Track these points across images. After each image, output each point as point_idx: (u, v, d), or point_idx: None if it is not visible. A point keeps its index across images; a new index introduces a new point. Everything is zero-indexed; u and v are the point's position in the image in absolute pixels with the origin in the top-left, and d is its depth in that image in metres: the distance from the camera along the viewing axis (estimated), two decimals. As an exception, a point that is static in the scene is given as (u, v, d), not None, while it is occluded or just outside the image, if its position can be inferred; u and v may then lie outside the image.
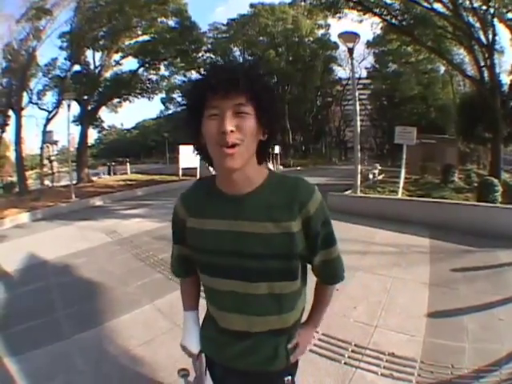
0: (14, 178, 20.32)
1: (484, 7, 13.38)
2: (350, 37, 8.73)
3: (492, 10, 13.40)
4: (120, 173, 25.23)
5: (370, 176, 14.33)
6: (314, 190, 1.03)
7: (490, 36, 13.91)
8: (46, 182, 20.42)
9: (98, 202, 12.59)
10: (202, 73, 1.04)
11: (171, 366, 2.56)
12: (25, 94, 18.73)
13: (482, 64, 14.31)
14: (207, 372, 1.25)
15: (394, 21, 16.61)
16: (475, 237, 5.46)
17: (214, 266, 1.07)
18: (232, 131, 0.90)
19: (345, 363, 2.54)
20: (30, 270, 5.41)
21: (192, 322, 1.27)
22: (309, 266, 1.14)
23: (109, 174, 25.17)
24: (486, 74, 14.34)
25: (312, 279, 1.17)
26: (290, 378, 1.14)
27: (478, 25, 13.97)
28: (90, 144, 34.67)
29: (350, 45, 8.78)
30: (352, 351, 2.68)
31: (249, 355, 1.09)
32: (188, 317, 1.28)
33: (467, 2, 13.50)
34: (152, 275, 4.75)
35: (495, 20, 13.82)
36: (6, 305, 4.15)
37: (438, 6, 14.38)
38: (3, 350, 3.06)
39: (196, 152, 1.10)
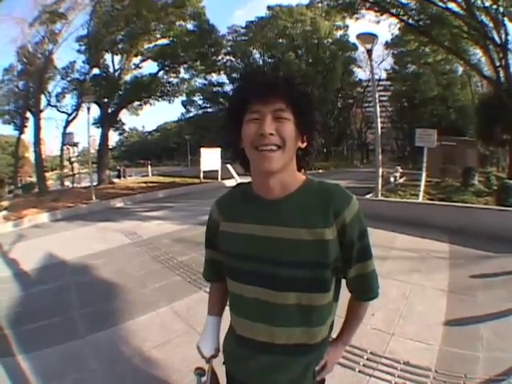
0: (34, 179, 20.81)
1: (494, 6, 13.13)
2: (368, 38, 8.64)
3: (502, 10, 13.13)
4: (141, 175, 25.29)
5: (392, 179, 14.10)
6: (351, 198, 1.01)
7: (504, 36, 13.64)
8: (67, 183, 20.78)
9: (118, 203, 12.75)
10: (243, 77, 1.10)
11: (185, 368, 2.58)
12: (43, 96, 19.15)
13: (498, 64, 14.03)
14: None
15: (410, 21, 16.42)
16: (495, 242, 5.34)
17: (241, 271, 1.05)
18: (271, 134, 0.92)
19: (359, 371, 2.51)
20: (47, 270, 5.53)
21: (211, 326, 1.28)
22: (343, 282, 1.11)
23: (118, 177, 24.05)
24: (502, 74, 14.05)
25: (344, 294, 1.15)
26: None
27: (491, 24, 13.72)
28: (111, 146, 35.16)
29: (369, 46, 8.68)
30: (367, 359, 2.65)
31: (271, 373, 1.06)
32: (209, 321, 1.29)
33: (479, 1, 13.27)
34: (170, 277, 4.77)
35: (506, 19, 13.56)
36: (23, 303, 4.25)
37: (452, 5, 14.20)
38: (19, 347, 3.13)
39: (234, 156, 1.11)
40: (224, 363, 1.22)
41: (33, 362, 2.88)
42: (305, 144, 1.03)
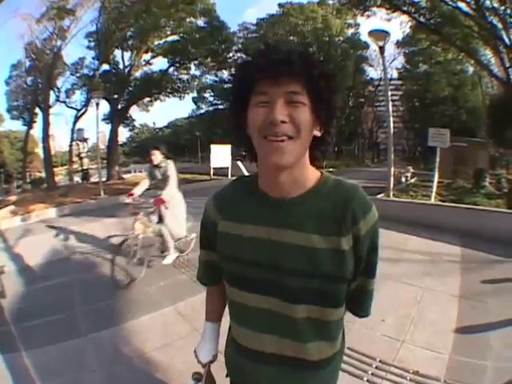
0: (43, 174, 20.93)
1: (503, 8, 13.03)
2: (380, 35, 8.51)
3: (509, 11, 12.98)
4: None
5: (403, 179, 14.02)
6: (370, 207, 0.89)
7: (512, 37, 13.54)
8: (76, 179, 20.86)
9: (127, 199, 12.64)
10: (251, 53, 0.89)
11: (186, 372, 2.48)
12: (52, 92, 19.33)
13: (508, 65, 13.88)
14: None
15: (421, 19, 16.35)
16: (505, 246, 5.26)
17: (246, 278, 0.93)
18: (283, 122, 0.78)
19: (367, 380, 2.43)
20: (51, 265, 5.48)
21: (210, 332, 1.21)
22: None
23: (83, 179, 21.62)
24: (512, 75, 13.97)
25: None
26: None
27: (500, 25, 13.61)
28: (121, 142, 35.27)
29: (381, 43, 8.55)
30: (376, 367, 2.55)
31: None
32: (207, 327, 1.22)
33: (488, 2, 13.18)
34: (176, 276, 4.70)
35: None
36: (27, 298, 4.21)
37: (462, 4, 14.22)
38: (20, 343, 3.11)
39: (238, 144, 0.96)
40: (227, 375, 1.15)
41: (34, 358, 2.85)
42: (321, 132, 0.89)
